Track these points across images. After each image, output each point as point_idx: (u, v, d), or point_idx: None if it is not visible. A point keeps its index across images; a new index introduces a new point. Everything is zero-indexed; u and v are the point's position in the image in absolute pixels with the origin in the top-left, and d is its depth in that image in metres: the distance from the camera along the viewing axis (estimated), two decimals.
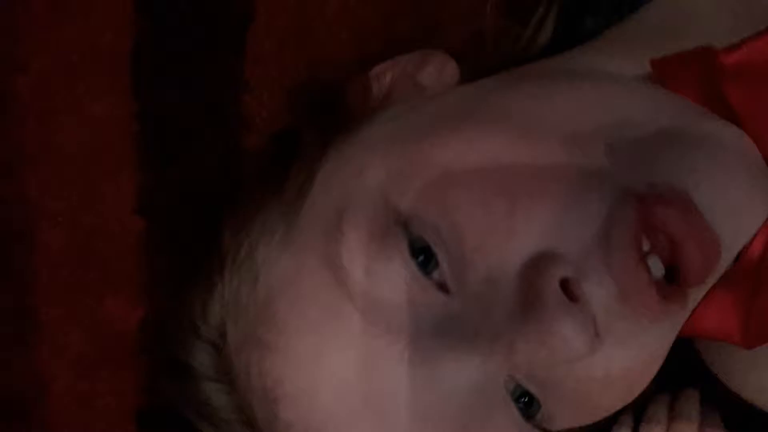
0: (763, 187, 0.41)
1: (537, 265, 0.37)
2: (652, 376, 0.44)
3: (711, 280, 0.43)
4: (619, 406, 0.45)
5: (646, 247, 0.38)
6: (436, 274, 0.39)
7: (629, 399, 0.44)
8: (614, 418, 0.60)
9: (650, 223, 0.38)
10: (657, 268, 0.39)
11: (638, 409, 0.60)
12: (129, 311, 0.55)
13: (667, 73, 0.43)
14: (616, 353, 0.40)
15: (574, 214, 0.38)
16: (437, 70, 0.46)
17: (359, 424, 0.41)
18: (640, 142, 0.39)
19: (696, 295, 0.43)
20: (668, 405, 0.59)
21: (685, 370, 0.57)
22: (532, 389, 0.41)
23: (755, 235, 0.46)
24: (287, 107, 0.53)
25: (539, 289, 0.37)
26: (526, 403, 0.41)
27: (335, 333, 0.40)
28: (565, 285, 0.37)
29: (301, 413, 0.42)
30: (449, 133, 0.40)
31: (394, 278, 0.39)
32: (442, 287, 0.39)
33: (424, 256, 0.39)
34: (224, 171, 0.55)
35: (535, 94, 0.43)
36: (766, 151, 0.44)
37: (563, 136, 0.39)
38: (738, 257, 0.48)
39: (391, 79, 0.47)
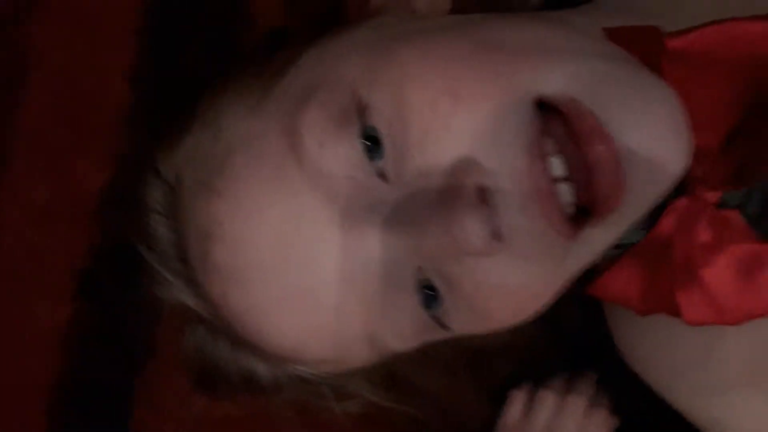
0: (683, 150, 0.42)
1: (463, 167, 0.41)
2: (543, 304, 0.46)
3: (614, 227, 0.44)
4: (507, 322, 0.47)
5: (559, 171, 0.41)
6: (380, 162, 0.43)
7: (517, 318, 0.46)
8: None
9: (564, 134, 0.41)
10: (567, 195, 0.42)
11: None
12: (96, 173, 0.57)
13: (616, 41, 0.45)
14: (514, 265, 0.43)
15: (499, 119, 0.41)
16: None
17: (283, 273, 0.44)
18: (586, 75, 0.42)
19: (599, 239, 0.44)
20: (566, 380, 0.63)
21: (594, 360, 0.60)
22: (437, 283, 0.44)
23: (666, 214, 0.48)
24: (289, 10, 0.56)
25: (458, 188, 0.40)
26: (430, 295, 0.44)
27: (280, 190, 0.44)
28: (481, 189, 0.40)
29: (231, 255, 0.45)
30: (419, 37, 0.44)
31: (341, 155, 0.42)
32: (383, 176, 0.43)
33: (373, 144, 0.43)
34: (219, 64, 0.57)
35: (507, 23, 0.46)
36: (692, 128, 0.44)
37: (517, 57, 0.42)
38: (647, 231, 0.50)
39: None
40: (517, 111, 0.41)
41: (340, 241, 0.43)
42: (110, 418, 0.65)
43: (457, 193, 0.40)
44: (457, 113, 0.41)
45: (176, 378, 0.62)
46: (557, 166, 0.41)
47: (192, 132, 0.48)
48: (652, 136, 0.41)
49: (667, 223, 0.49)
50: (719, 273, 0.47)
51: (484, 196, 0.40)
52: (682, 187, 0.49)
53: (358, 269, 0.43)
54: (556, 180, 0.41)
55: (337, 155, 0.42)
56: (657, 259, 0.49)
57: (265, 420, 0.63)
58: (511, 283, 0.43)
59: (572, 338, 0.65)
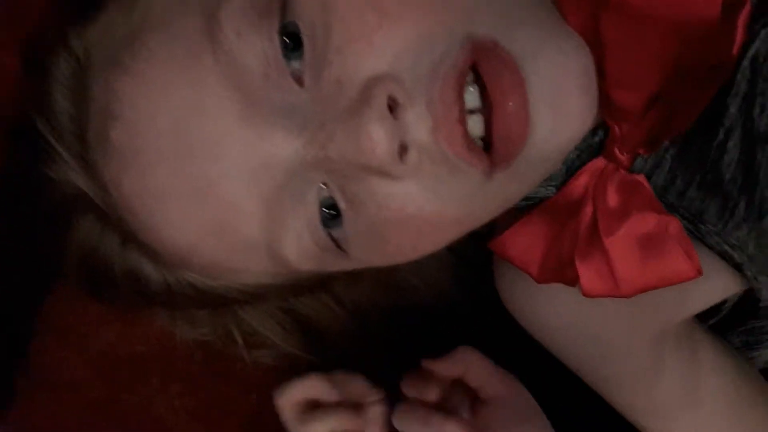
0: (587, 108, 0.43)
1: (378, 80, 0.40)
2: (440, 244, 0.47)
3: (517, 173, 0.44)
4: (403, 257, 0.47)
5: (473, 102, 0.42)
6: (296, 64, 0.42)
7: (414, 253, 0.46)
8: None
9: (478, 67, 0.41)
10: (476, 127, 0.42)
11: None
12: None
13: None
14: (418, 191, 0.43)
15: (425, 45, 0.41)
16: None
17: (180, 160, 0.43)
18: (508, 7, 0.42)
19: (506, 185, 0.44)
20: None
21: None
22: (339, 201, 0.44)
23: (580, 174, 0.49)
24: None
25: (369, 98, 0.40)
26: (332, 215, 0.44)
27: (189, 74, 0.42)
28: (393, 104, 0.40)
29: (129, 135, 0.44)
30: None
31: (258, 48, 0.41)
32: (299, 80, 0.42)
33: (292, 42, 0.41)
34: None
35: None
36: (614, 93, 0.46)
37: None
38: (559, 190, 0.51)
39: None
40: (445, 42, 0.41)
41: (244, 138, 0.42)
42: (10, 337, 0.62)
43: (368, 102, 0.40)
44: (382, 29, 0.40)
45: (85, 307, 0.60)
46: (471, 98, 0.42)
47: (107, 8, 0.46)
48: (560, 87, 0.42)
49: (580, 183, 0.50)
50: (621, 243, 0.48)
51: (395, 109, 0.40)
52: (600, 150, 0.50)
53: (261, 169, 0.42)
54: (469, 111, 0.42)
55: (254, 47, 0.41)
56: (564, 220, 0.49)
57: (173, 362, 0.61)
58: (412, 209, 0.43)
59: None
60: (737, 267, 0.52)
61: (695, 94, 0.46)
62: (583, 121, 0.43)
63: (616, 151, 0.49)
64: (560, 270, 0.50)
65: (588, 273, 0.48)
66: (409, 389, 0.59)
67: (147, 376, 0.67)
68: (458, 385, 0.59)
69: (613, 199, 0.49)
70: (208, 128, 0.42)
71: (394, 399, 0.59)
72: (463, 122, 0.41)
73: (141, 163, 0.44)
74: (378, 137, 0.40)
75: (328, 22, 0.41)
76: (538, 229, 0.51)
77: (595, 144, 0.51)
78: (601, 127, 0.50)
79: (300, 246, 0.45)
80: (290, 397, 0.58)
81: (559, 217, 0.50)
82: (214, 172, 0.43)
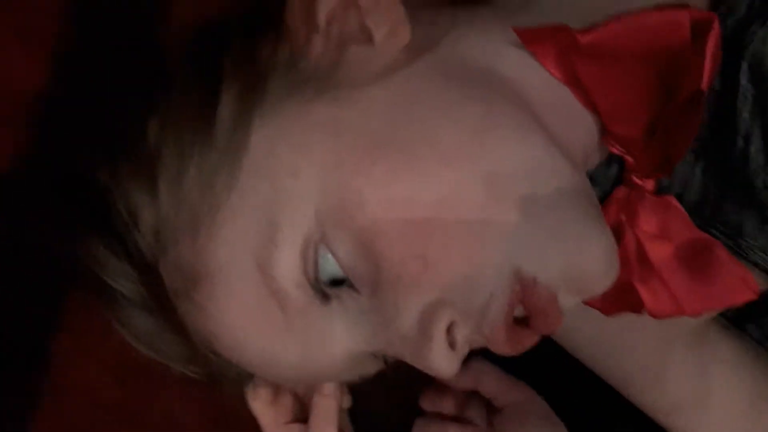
0: (612, 279, 0.45)
1: (435, 310, 0.43)
2: None
3: None
4: None
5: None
6: (350, 292, 0.45)
7: None
8: None
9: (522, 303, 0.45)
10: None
11: None
12: (34, 66, 0.53)
13: (529, 42, 0.46)
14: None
15: (473, 286, 0.44)
16: (388, 22, 0.45)
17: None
18: (540, 220, 0.44)
19: None
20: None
21: None
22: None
23: (608, 204, 0.50)
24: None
25: (431, 333, 0.43)
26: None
27: (266, 330, 0.45)
28: (450, 329, 0.44)
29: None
30: (377, 166, 0.43)
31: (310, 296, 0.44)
32: (355, 289, 0.44)
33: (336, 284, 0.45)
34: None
35: (469, 128, 0.44)
36: (611, 127, 0.47)
37: (485, 186, 0.43)
38: None
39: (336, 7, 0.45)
40: (493, 281, 0.43)
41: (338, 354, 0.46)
42: (30, 342, 0.62)
43: (430, 337, 0.43)
44: (427, 274, 0.43)
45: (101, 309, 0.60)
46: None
47: (158, 190, 0.45)
48: (591, 280, 0.45)
49: (610, 215, 0.50)
50: (671, 266, 0.49)
51: (452, 340, 0.44)
52: (620, 178, 0.51)
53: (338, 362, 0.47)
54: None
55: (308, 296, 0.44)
56: None
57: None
58: None
59: None
60: None
61: (684, 119, 0.46)
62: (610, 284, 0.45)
63: (635, 179, 0.49)
64: (623, 299, 0.50)
65: (651, 296, 0.49)
66: (426, 403, 0.61)
67: (165, 380, 0.67)
68: (474, 396, 0.61)
69: (649, 223, 0.50)
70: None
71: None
72: (509, 340, 0.45)
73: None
74: (439, 366, 0.44)
75: (374, 266, 0.43)
76: None
77: (612, 176, 0.51)
78: (615, 158, 0.50)
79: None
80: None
81: None
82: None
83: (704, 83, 0.44)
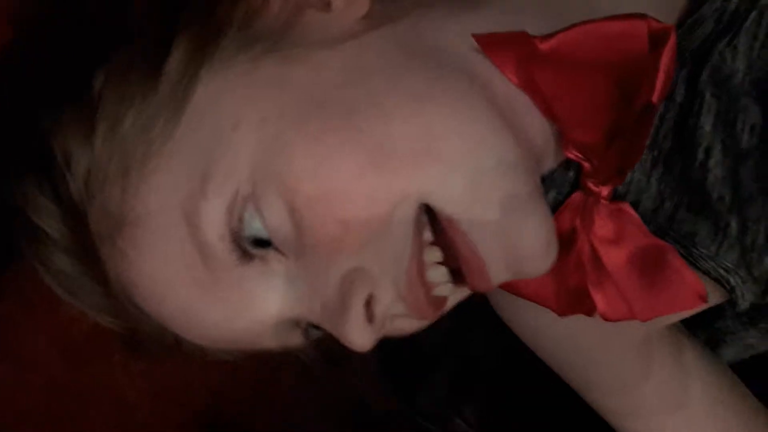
0: (548, 264, 0.46)
1: (354, 280, 0.44)
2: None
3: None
4: None
5: (436, 258, 0.46)
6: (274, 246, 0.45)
7: None
8: None
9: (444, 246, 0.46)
10: (441, 274, 0.47)
11: None
12: None
13: (488, 48, 0.46)
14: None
15: (391, 240, 0.44)
16: None
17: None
18: (468, 191, 0.44)
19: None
20: None
21: None
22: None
23: (563, 209, 0.51)
24: None
25: (349, 304, 0.44)
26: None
27: (180, 269, 0.45)
28: (368, 302, 0.44)
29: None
30: (314, 141, 0.43)
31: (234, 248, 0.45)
32: (281, 252, 0.45)
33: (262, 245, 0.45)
34: None
35: (411, 94, 0.45)
36: (569, 133, 0.47)
37: (406, 173, 0.43)
38: None
39: None
40: (401, 225, 0.44)
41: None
42: None
43: (347, 308, 0.44)
44: (347, 236, 0.43)
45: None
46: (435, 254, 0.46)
47: (94, 138, 0.45)
48: (523, 257, 0.45)
49: (565, 219, 0.50)
50: (624, 271, 0.49)
51: (371, 312, 0.45)
52: (576, 182, 0.51)
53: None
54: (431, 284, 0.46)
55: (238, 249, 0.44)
56: (562, 254, 0.50)
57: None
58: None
59: None
60: (731, 289, 0.52)
61: (637, 129, 0.46)
62: (543, 270, 0.46)
63: (591, 185, 0.49)
64: (577, 302, 0.51)
65: (604, 300, 0.50)
66: None
67: (109, 354, 0.67)
68: None
69: (603, 229, 0.50)
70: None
71: None
72: (431, 302, 0.46)
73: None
74: (357, 340, 0.45)
75: (297, 228, 0.43)
76: None
77: (570, 179, 0.51)
78: (572, 163, 0.51)
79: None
80: None
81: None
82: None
83: (656, 96, 0.44)
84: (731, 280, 0.51)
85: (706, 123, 0.50)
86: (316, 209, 0.43)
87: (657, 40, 0.45)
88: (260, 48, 0.44)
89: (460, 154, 0.44)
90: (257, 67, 0.44)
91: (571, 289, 0.50)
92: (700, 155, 0.50)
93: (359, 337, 0.44)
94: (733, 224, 0.50)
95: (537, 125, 0.47)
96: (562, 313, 0.52)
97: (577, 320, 0.53)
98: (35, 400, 0.68)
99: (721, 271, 0.51)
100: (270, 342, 0.48)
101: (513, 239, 0.44)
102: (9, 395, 0.67)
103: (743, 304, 0.53)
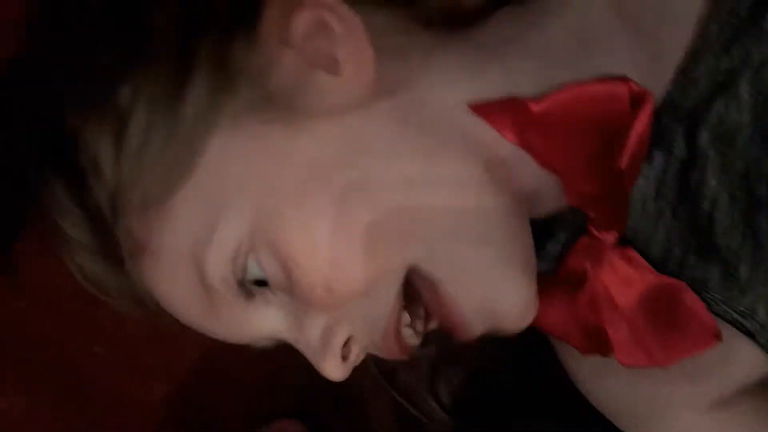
0: (526, 322, 0.51)
1: (334, 327, 0.50)
2: None
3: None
4: None
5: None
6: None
7: None
8: None
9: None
10: (410, 335, 0.52)
11: None
12: None
13: (486, 115, 0.48)
14: None
15: (371, 308, 0.49)
16: (357, 58, 0.47)
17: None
18: (449, 260, 0.49)
19: None
20: None
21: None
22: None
23: (572, 252, 0.53)
24: None
25: (328, 347, 0.50)
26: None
27: (190, 298, 0.51)
28: (347, 343, 0.51)
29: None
30: (307, 221, 0.47)
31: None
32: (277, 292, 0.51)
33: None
34: None
35: (394, 202, 0.47)
36: (569, 185, 0.50)
37: (391, 254, 0.48)
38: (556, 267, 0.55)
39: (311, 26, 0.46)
40: (385, 291, 0.48)
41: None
42: None
43: (329, 349, 0.50)
44: (330, 302, 0.48)
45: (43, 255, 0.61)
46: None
47: (120, 157, 0.48)
48: (501, 320, 0.50)
49: (576, 260, 0.53)
50: (637, 311, 0.52)
51: (347, 350, 0.51)
52: (583, 227, 0.53)
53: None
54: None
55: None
56: (572, 295, 0.53)
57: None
58: None
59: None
60: (750, 335, 0.52)
61: (616, 191, 0.49)
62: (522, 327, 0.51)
63: (595, 232, 0.51)
64: (594, 341, 0.53)
65: (620, 342, 0.52)
66: None
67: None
68: None
69: (614, 271, 0.52)
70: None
71: None
72: (404, 351, 0.51)
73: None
74: (334, 377, 0.51)
75: (289, 275, 0.48)
76: (554, 301, 0.54)
77: (579, 222, 0.53)
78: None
79: None
80: None
81: (565, 292, 0.54)
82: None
83: (623, 162, 0.47)
84: (747, 324, 0.52)
85: (711, 179, 0.50)
86: (305, 279, 0.47)
87: (636, 103, 0.47)
88: (272, 110, 0.47)
89: (450, 230, 0.48)
90: (266, 134, 0.47)
91: (590, 327, 0.53)
92: (706, 206, 0.51)
93: (334, 372, 0.51)
94: (743, 271, 0.51)
95: (538, 177, 0.50)
96: (584, 351, 0.54)
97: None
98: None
99: (735, 315, 0.52)
100: (273, 343, 0.55)
101: (493, 303, 0.49)
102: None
103: None
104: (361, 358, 0.52)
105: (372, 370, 0.71)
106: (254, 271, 0.48)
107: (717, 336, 0.50)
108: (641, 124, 0.47)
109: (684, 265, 0.52)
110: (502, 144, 0.49)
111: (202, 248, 0.48)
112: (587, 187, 0.49)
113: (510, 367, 0.67)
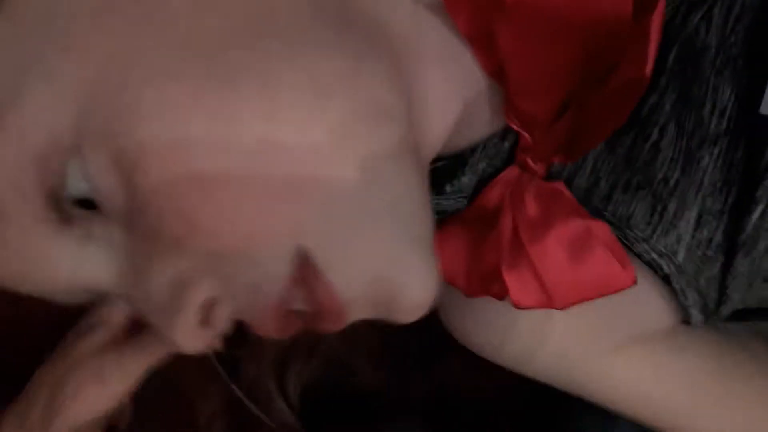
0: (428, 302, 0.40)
1: (192, 279, 0.37)
2: None
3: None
4: None
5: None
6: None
7: None
8: None
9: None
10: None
11: None
12: None
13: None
14: None
15: (250, 257, 0.37)
16: None
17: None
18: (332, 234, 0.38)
19: None
20: None
21: None
22: None
23: (493, 184, 0.47)
24: None
25: (181, 305, 0.37)
26: None
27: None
28: (208, 305, 0.38)
29: None
30: (185, 101, 0.34)
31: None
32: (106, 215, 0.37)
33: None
34: None
35: (316, 81, 0.37)
36: (515, 99, 0.44)
37: (277, 206, 0.36)
38: (473, 199, 0.49)
39: None
40: (275, 261, 0.37)
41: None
42: None
43: (182, 303, 0.37)
44: (191, 241, 0.36)
45: None
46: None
47: None
48: (397, 309, 0.40)
49: (494, 194, 0.47)
50: (547, 253, 0.46)
51: (207, 318, 0.38)
52: (512, 157, 0.47)
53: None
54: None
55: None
56: (482, 232, 0.47)
57: None
58: None
59: None
60: (665, 279, 0.49)
61: (613, 101, 0.42)
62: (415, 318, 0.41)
63: (529, 161, 0.46)
64: (488, 283, 0.46)
65: (517, 284, 0.46)
66: None
67: None
68: None
69: (532, 208, 0.46)
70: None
71: None
72: (279, 328, 0.39)
73: None
74: (186, 349, 0.38)
75: (131, 204, 0.35)
76: (456, 242, 0.47)
77: (505, 150, 0.48)
78: (510, 132, 0.46)
79: None
80: None
81: (475, 229, 0.47)
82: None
83: (648, 69, 0.40)
84: (663, 265, 0.49)
85: (668, 101, 0.46)
86: (159, 194, 0.34)
87: (642, 4, 0.40)
88: None
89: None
90: None
91: (484, 270, 0.46)
92: (655, 134, 0.47)
93: (187, 339, 0.38)
94: (671, 208, 0.48)
95: (475, 90, 0.44)
96: (470, 293, 0.47)
97: None
98: None
99: (654, 255, 0.49)
100: (80, 299, 0.41)
101: (386, 292, 0.39)
102: None
103: (696, 316, 0.51)
104: (228, 327, 0.40)
105: (211, 359, 0.61)
106: (77, 185, 0.35)
107: (633, 278, 0.46)
108: (657, 27, 0.40)
109: (609, 199, 0.49)
110: (442, 48, 0.42)
111: None
112: (538, 105, 0.43)
113: (373, 361, 0.58)
